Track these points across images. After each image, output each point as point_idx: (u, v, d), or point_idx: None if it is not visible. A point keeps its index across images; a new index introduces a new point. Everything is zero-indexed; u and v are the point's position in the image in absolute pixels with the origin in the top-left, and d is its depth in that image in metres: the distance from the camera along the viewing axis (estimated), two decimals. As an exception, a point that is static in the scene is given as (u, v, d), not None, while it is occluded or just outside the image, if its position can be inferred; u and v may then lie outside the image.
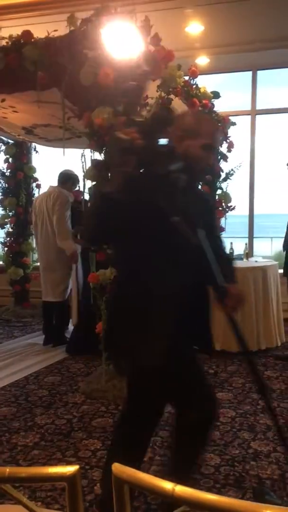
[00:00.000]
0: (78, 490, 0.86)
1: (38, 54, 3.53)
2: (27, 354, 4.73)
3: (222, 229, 5.95)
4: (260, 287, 4.70)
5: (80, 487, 0.87)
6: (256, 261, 5.18)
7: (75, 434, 3.01)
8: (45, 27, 3.59)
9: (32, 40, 3.60)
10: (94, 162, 3.68)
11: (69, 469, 0.86)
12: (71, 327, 5.39)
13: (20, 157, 6.68)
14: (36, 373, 4.19)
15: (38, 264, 5.48)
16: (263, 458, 2.70)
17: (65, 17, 3.50)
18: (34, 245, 6.17)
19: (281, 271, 4.85)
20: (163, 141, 1.78)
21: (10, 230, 6.69)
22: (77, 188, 5.08)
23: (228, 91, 5.75)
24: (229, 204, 5.88)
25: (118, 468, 0.89)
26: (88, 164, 3.72)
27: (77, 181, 5.13)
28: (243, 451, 2.78)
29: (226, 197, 5.87)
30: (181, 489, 0.82)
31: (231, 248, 5.37)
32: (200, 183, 5.76)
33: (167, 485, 0.83)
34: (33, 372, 4.20)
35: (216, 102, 5.41)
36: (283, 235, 4.70)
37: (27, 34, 3.63)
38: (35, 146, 6.79)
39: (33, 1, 4.69)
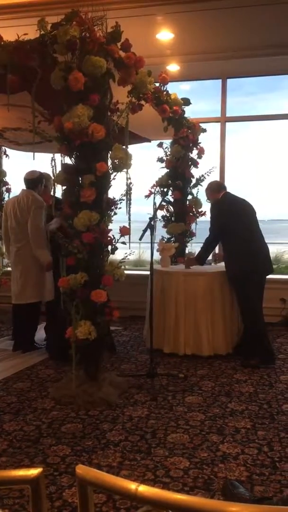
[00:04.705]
0: (41, 493, 0.86)
1: (8, 57, 3.50)
2: (-4, 361, 4.66)
3: (193, 234, 6.03)
4: (228, 291, 4.77)
5: (44, 490, 0.87)
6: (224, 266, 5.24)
7: (44, 440, 2.98)
8: (15, 30, 3.57)
9: (2, 43, 3.57)
10: (64, 167, 3.68)
11: (32, 471, 0.86)
12: (42, 334, 5.34)
13: (-10, 161, 6.60)
14: (5, 380, 4.12)
15: (9, 269, 5.41)
16: (232, 460, 2.73)
17: (35, 21, 3.49)
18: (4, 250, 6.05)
19: None
20: None
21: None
22: (46, 187, 5.05)
23: (197, 99, 5.82)
24: (199, 210, 5.95)
25: (82, 470, 0.89)
26: (59, 169, 3.71)
27: (47, 180, 5.09)
28: (211, 454, 2.80)
29: (196, 202, 5.94)
30: (144, 489, 0.83)
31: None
32: (171, 188, 5.85)
33: (131, 485, 0.84)
34: (1, 379, 4.14)
35: (186, 109, 5.49)
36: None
37: (-4, 37, 3.60)
38: (5, 150, 6.72)
39: (3, 4, 4.65)
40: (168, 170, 5.91)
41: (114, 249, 3.74)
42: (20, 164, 6.87)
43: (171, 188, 5.86)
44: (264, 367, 4.39)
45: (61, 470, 2.63)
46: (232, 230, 4.58)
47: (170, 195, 5.90)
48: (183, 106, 5.37)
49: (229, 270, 4.74)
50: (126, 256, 3.79)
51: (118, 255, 3.83)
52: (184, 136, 5.59)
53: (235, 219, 4.62)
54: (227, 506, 0.82)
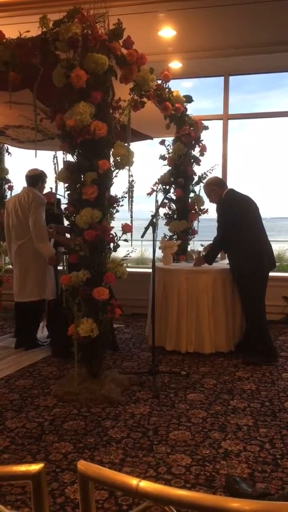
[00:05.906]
0: (43, 488, 0.86)
1: (9, 54, 3.50)
2: (-2, 358, 4.67)
3: (195, 232, 6.03)
4: (230, 289, 4.77)
5: (46, 485, 0.87)
6: (227, 264, 5.24)
7: (46, 437, 2.99)
8: (17, 27, 3.57)
9: (4, 40, 3.57)
10: (66, 164, 3.68)
11: (34, 467, 0.86)
12: (45, 332, 5.35)
13: (-8, 158, 6.61)
14: (7, 377, 4.13)
15: (11, 266, 5.42)
16: (233, 457, 2.74)
17: (37, 18, 3.49)
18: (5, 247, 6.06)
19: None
20: None
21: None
22: (46, 185, 5.06)
23: (199, 96, 5.82)
24: (202, 207, 5.95)
25: (83, 465, 0.89)
26: (61, 166, 3.71)
27: (46, 177, 5.10)
28: (213, 451, 2.80)
29: (199, 200, 5.94)
30: (145, 484, 0.83)
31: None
32: (173, 186, 5.85)
33: (132, 481, 0.84)
34: (4, 376, 4.15)
35: (188, 106, 5.48)
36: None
37: (-2, 34, 3.60)
38: (7, 148, 6.73)
39: (5, 2, 4.65)
40: (170, 168, 5.91)
41: (116, 246, 3.74)
42: (22, 162, 6.88)
43: (173, 185, 5.86)
44: (266, 365, 4.39)
45: (63, 467, 2.63)
46: (238, 227, 4.57)
47: (172, 193, 5.90)
48: (185, 104, 5.35)
49: (233, 267, 4.73)
50: (128, 254, 3.79)
51: (120, 253, 3.84)
52: (186, 133, 5.58)
53: (240, 216, 4.60)
54: (228, 501, 0.82)
